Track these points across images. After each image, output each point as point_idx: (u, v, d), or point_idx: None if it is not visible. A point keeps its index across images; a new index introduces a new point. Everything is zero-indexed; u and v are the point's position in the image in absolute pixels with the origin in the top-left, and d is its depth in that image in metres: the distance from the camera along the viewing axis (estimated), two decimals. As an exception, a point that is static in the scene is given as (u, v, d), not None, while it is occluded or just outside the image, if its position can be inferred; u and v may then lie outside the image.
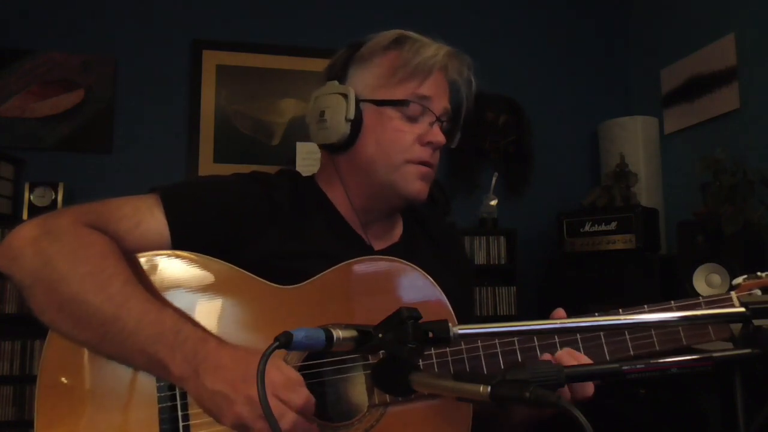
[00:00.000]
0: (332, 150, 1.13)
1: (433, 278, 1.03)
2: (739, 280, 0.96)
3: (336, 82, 1.11)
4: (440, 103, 1.12)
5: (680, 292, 2.40)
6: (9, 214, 2.86)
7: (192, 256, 1.00)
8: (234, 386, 0.83)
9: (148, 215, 1.00)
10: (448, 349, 0.97)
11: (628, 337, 0.97)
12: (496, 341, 0.98)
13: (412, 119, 1.10)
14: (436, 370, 0.96)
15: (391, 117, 1.09)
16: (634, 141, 3.30)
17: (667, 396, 2.49)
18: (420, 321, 0.69)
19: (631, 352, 0.98)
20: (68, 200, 2.88)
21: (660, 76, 3.41)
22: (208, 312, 0.97)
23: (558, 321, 0.73)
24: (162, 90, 3.20)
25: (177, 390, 0.93)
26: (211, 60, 3.26)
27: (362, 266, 1.03)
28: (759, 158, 2.70)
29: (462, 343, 0.97)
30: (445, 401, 0.95)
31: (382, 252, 1.14)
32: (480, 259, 3.19)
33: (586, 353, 0.97)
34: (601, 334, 0.98)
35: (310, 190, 1.16)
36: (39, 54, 3.08)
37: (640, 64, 3.65)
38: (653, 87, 3.46)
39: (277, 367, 0.85)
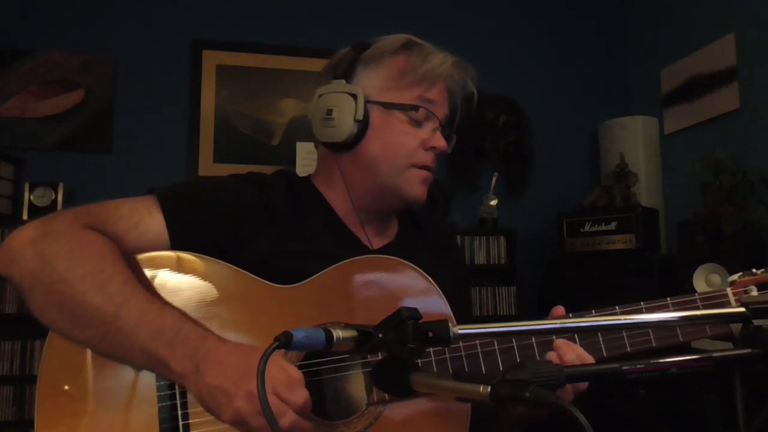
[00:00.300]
0: (335, 149, 1.13)
1: (430, 277, 1.03)
2: (734, 276, 0.96)
3: (343, 81, 1.11)
4: (443, 110, 1.14)
5: (680, 292, 2.38)
6: (9, 214, 2.86)
7: (191, 257, 1.00)
8: (234, 381, 0.83)
9: (146, 216, 1.00)
10: (446, 348, 0.97)
11: (625, 333, 0.98)
12: (494, 339, 0.98)
13: (417, 124, 1.11)
14: (434, 369, 0.97)
15: (398, 120, 1.10)
16: (634, 141, 3.30)
17: (667, 396, 2.50)
18: (420, 321, 0.69)
19: (628, 349, 0.98)
20: (68, 200, 2.88)
21: (660, 76, 3.41)
22: (207, 312, 0.97)
23: (558, 321, 0.73)
24: (162, 90, 3.20)
25: (177, 389, 0.93)
26: (211, 60, 3.26)
27: (361, 265, 1.03)
28: (759, 158, 2.70)
29: (460, 341, 0.97)
30: (444, 400, 0.95)
31: (379, 251, 1.14)
32: (480, 259, 3.19)
33: (583, 348, 0.98)
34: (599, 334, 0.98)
35: (307, 190, 1.17)
36: (39, 54, 3.08)
37: (640, 64, 3.65)
38: (653, 87, 3.46)
39: (278, 365, 0.85)
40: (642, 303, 0.97)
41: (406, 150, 1.10)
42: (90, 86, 3.12)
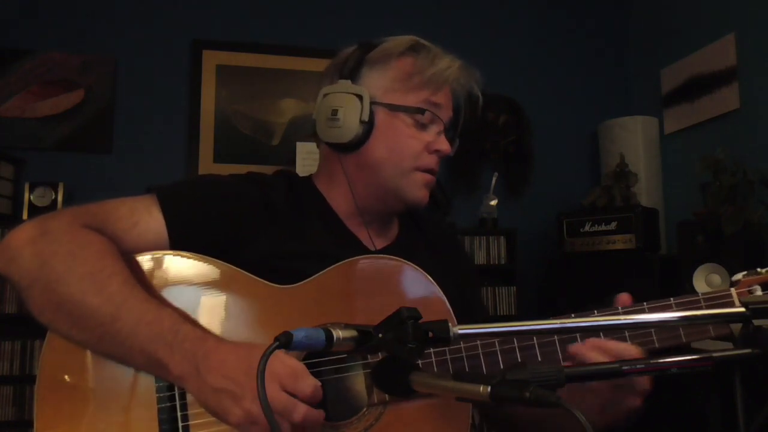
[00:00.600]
0: (340, 149, 1.12)
1: (430, 276, 1.03)
2: (738, 276, 0.95)
3: (349, 82, 1.11)
4: (448, 113, 1.14)
5: (680, 292, 2.38)
6: (9, 214, 2.86)
7: (190, 256, 1.00)
8: (240, 383, 0.83)
9: (145, 215, 1.00)
10: (447, 349, 0.97)
11: (627, 335, 0.97)
12: (495, 340, 0.98)
13: (422, 126, 1.11)
14: (435, 369, 0.97)
15: (404, 122, 1.10)
16: (634, 141, 3.30)
17: (667, 396, 2.49)
18: (420, 321, 0.69)
19: None
20: (68, 200, 2.88)
21: (660, 76, 3.41)
22: (207, 312, 0.97)
23: (558, 321, 0.73)
24: (162, 90, 3.20)
25: (176, 390, 0.93)
26: (211, 60, 3.26)
27: (361, 265, 1.03)
28: (759, 158, 2.69)
29: (461, 342, 0.97)
30: (445, 401, 0.95)
31: (379, 252, 1.14)
32: (480, 259, 3.19)
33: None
34: (601, 335, 0.98)
35: (307, 190, 1.16)
36: (39, 54, 3.08)
37: (640, 64, 3.65)
38: (653, 87, 3.46)
39: (279, 360, 0.85)
40: (645, 303, 0.97)
41: (411, 153, 1.10)
42: (90, 86, 3.12)
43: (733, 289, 0.96)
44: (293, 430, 0.84)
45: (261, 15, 3.34)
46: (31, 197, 2.82)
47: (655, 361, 0.72)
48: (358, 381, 0.99)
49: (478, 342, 0.97)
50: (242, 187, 1.09)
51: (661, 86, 3.40)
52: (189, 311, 0.95)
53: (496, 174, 3.32)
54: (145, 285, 0.95)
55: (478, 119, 3.32)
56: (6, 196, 2.87)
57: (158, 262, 0.99)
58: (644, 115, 3.37)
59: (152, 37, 3.21)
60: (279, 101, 3.32)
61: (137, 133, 3.15)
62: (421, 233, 1.25)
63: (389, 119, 1.10)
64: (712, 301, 0.96)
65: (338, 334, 0.68)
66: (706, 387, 2.35)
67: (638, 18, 3.69)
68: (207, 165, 3.19)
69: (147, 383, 0.93)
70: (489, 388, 0.60)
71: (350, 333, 0.69)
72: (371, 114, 1.09)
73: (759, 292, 0.93)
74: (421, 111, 1.10)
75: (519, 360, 0.98)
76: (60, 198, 2.85)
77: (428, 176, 1.13)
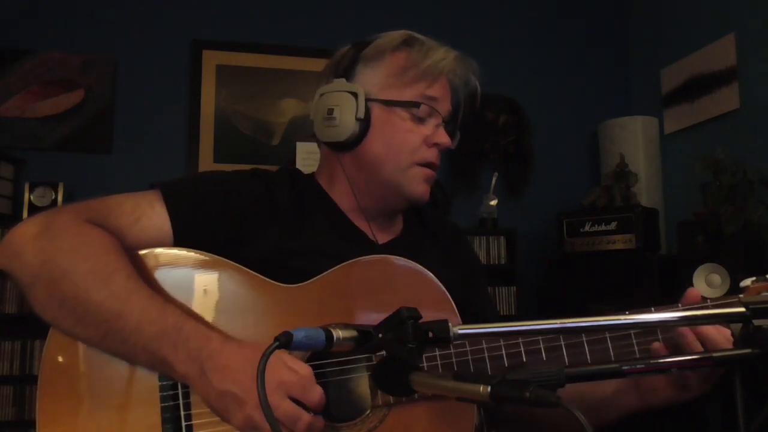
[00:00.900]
0: (338, 148, 1.12)
1: (435, 275, 1.02)
2: (747, 282, 0.94)
3: (344, 80, 1.11)
4: (446, 106, 1.13)
5: (680, 292, 2.39)
6: (9, 214, 2.86)
7: (193, 253, 0.99)
8: (244, 387, 0.83)
9: (149, 211, 1.00)
10: (452, 351, 0.96)
11: (635, 341, 0.97)
12: (501, 343, 0.97)
13: (420, 120, 1.10)
14: (440, 371, 0.96)
15: (400, 117, 1.09)
16: (634, 141, 3.30)
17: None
18: (421, 320, 0.69)
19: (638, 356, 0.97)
20: (68, 200, 2.87)
21: (660, 76, 3.41)
22: (210, 309, 0.97)
23: (558, 321, 0.73)
24: (162, 90, 3.20)
25: (180, 389, 0.93)
26: (211, 60, 3.26)
27: (365, 265, 1.02)
28: (759, 158, 2.69)
29: (467, 344, 0.96)
30: (450, 402, 0.95)
31: (385, 246, 1.14)
32: (480, 259, 3.19)
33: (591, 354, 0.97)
34: (608, 338, 0.97)
35: (311, 188, 1.16)
36: (39, 54, 3.08)
37: (640, 64, 3.65)
38: (653, 87, 3.46)
39: (287, 365, 0.85)
40: (653, 309, 0.96)
41: (409, 147, 1.09)
42: (90, 86, 3.12)
43: (741, 296, 0.95)
44: None
45: (261, 15, 3.34)
46: (31, 197, 2.82)
47: (655, 361, 0.72)
48: (362, 382, 0.98)
49: (484, 344, 0.97)
50: (246, 184, 1.09)
51: (661, 86, 3.40)
52: (192, 308, 0.95)
53: (496, 174, 3.32)
54: (149, 281, 0.94)
55: (478, 118, 3.33)
56: (6, 196, 2.87)
57: (161, 259, 0.99)
58: (644, 115, 3.38)
59: (152, 37, 3.21)
60: (279, 101, 3.32)
61: (137, 133, 3.15)
62: (425, 229, 1.24)
63: (385, 115, 1.09)
64: (721, 308, 0.95)
65: (338, 334, 0.68)
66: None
67: (638, 18, 3.69)
68: (207, 165, 3.19)
69: (150, 382, 0.93)
70: (489, 388, 0.60)
71: (350, 333, 0.69)
72: (367, 111, 1.08)
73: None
74: (417, 104, 1.09)
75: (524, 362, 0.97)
76: (60, 198, 2.85)
77: (428, 171, 1.11)
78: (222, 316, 0.97)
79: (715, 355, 0.72)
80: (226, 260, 1.00)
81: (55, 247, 0.91)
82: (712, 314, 0.82)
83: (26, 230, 0.93)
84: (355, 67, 1.11)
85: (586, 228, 3.02)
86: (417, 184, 1.11)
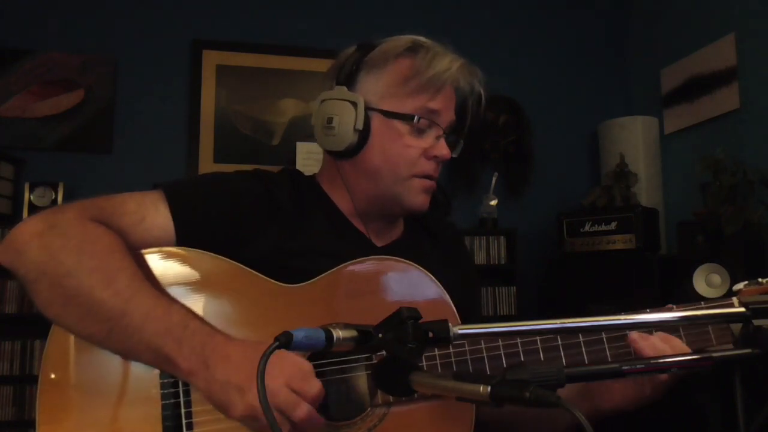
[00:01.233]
0: (337, 156, 1.12)
1: (435, 276, 1.03)
2: (740, 286, 0.94)
3: (344, 88, 1.10)
4: (447, 117, 1.12)
5: (680, 292, 2.40)
6: (9, 214, 2.86)
7: (196, 253, 1.00)
8: (247, 376, 0.83)
9: (152, 211, 1.00)
10: (451, 351, 0.97)
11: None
12: (500, 343, 0.97)
13: (420, 132, 1.09)
14: (439, 371, 0.96)
15: (399, 130, 1.08)
16: (634, 141, 3.30)
17: (667, 396, 2.49)
18: (420, 321, 0.69)
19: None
20: (68, 200, 2.85)
21: (660, 76, 3.41)
22: (212, 309, 0.97)
23: (558, 321, 0.73)
24: (162, 90, 3.20)
25: (180, 387, 0.93)
26: (211, 60, 3.26)
27: (366, 266, 1.03)
28: (759, 158, 2.70)
29: (466, 344, 0.97)
30: (449, 402, 0.95)
31: (384, 249, 1.14)
32: (480, 259, 3.20)
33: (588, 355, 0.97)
34: (604, 338, 0.98)
35: (312, 189, 1.16)
36: (39, 54, 3.08)
37: (640, 64, 3.65)
38: (653, 87, 3.46)
39: (288, 359, 0.86)
40: (648, 310, 0.96)
41: (407, 160, 1.08)
42: (90, 86, 3.12)
43: (735, 299, 0.96)
44: (293, 429, 0.85)
45: (261, 15, 3.34)
46: (31, 197, 2.82)
47: (655, 361, 0.73)
48: (362, 382, 0.99)
49: (483, 344, 0.97)
50: (247, 184, 1.09)
51: (661, 86, 3.40)
52: (194, 308, 0.95)
53: (496, 174, 3.32)
54: (153, 281, 0.95)
55: (478, 119, 3.32)
56: (6, 196, 2.87)
57: (164, 258, 0.99)
58: (644, 115, 3.37)
59: (152, 37, 3.21)
60: (279, 101, 3.32)
61: (137, 133, 3.15)
62: (426, 232, 1.25)
63: (384, 126, 1.08)
64: (714, 309, 0.95)
65: (338, 334, 0.68)
66: (706, 387, 2.35)
67: (638, 18, 3.69)
68: (207, 165, 3.19)
69: (151, 379, 0.93)
70: (489, 388, 0.60)
71: (350, 333, 0.69)
72: (366, 122, 1.08)
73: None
74: (417, 118, 1.07)
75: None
76: (60, 198, 2.85)
77: (427, 182, 1.11)
78: (223, 315, 0.97)
79: (715, 355, 0.72)
80: (228, 260, 1.00)
81: (60, 244, 0.91)
82: (712, 314, 0.82)
83: (30, 227, 0.93)
84: (357, 74, 1.10)
85: (586, 228, 3.02)
86: (416, 195, 1.11)
